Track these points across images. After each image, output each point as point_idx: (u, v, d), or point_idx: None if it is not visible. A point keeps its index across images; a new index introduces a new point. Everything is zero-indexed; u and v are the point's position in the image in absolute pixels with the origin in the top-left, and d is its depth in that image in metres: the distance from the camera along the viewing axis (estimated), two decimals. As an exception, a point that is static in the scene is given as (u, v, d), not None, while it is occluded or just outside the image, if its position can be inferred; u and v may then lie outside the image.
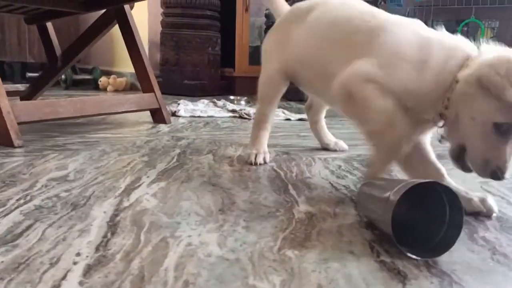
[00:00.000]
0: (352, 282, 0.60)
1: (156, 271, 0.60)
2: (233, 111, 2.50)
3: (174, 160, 1.29)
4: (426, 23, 3.27)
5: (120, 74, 4.02)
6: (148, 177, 1.09)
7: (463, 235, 0.78)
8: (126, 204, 0.88)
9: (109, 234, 0.72)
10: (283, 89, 1.31)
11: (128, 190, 0.97)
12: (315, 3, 1.22)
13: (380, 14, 1.04)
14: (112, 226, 0.76)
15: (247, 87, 3.82)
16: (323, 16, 1.14)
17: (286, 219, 0.82)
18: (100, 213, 0.82)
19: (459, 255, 0.69)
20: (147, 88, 1.98)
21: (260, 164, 1.28)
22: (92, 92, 3.68)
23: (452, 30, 3.44)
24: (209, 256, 0.65)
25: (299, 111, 2.56)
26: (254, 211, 0.86)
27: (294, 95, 3.29)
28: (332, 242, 0.73)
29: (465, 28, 3.28)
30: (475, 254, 0.70)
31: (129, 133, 1.75)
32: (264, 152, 1.32)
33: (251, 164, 1.28)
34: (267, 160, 1.31)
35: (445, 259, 0.68)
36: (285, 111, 2.53)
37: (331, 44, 1.07)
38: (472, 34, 3.36)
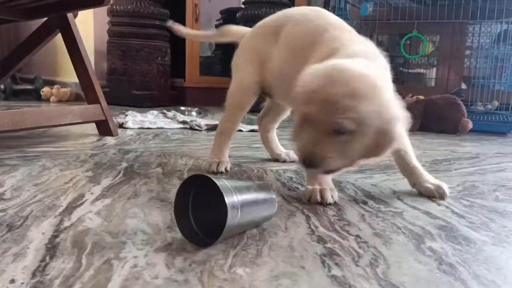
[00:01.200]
0: (304, 299, 0.59)
1: (98, 296, 0.56)
2: (184, 122, 2.46)
3: (121, 174, 1.24)
4: (371, 37, 3.37)
5: (64, 84, 3.86)
6: (92, 193, 1.03)
7: (410, 245, 0.80)
8: (67, 224, 0.83)
9: (47, 258, 0.67)
10: (255, 100, 1.37)
11: (70, 209, 0.92)
12: (284, 19, 1.31)
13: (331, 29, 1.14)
14: (51, 248, 0.71)
15: (198, 98, 3.79)
16: (293, 32, 1.24)
17: (237, 235, 0.80)
18: (38, 235, 0.77)
19: (407, 267, 0.70)
20: (92, 98, 1.90)
21: (221, 173, 1.30)
22: (34, 103, 3.52)
23: (395, 43, 3.55)
24: (156, 278, 0.62)
25: (250, 122, 2.55)
26: (203, 227, 0.84)
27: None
28: (283, 258, 0.72)
29: (408, 42, 3.42)
30: (422, 265, 0.71)
31: (72, 146, 1.67)
32: (226, 162, 1.35)
33: (212, 173, 1.29)
34: (228, 169, 1.34)
35: (394, 271, 0.68)
36: (236, 122, 2.51)
37: (296, 57, 1.17)
38: (414, 47, 3.51)
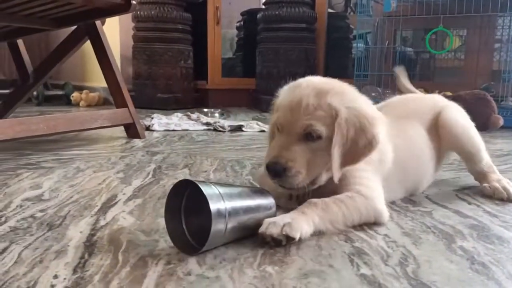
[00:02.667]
0: (334, 296, 0.60)
1: (135, 292, 0.59)
2: (208, 124, 2.49)
3: (150, 175, 1.27)
4: (395, 33, 3.30)
5: (92, 89, 3.95)
6: (124, 194, 1.07)
7: (441, 245, 0.79)
8: (102, 223, 0.86)
9: (86, 255, 0.71)
10: None
11: (104, 208, 0.95)
12: None
13: None
14: (89, 246, 0.74)
15: (220, 100, 3.82)
16: None
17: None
18: (76, 233, 0.80)
19: (438, 266, 0.70)
20: (120, 103, 1.95)
21: None
22: (65, 108, 3.61)
23: (420, 38, 3.48)
24: (189, 275, 0.65)
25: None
26: (233, 226, 0.86)
27: (267, 107, 3.31)
28: (311, 256, 0.73)
29: (434, 37, 3.36)
30: (454, 264, 0.71)
31: (103, 149, 1.72)
32: None
33: None
34: None
35: (425, 270, 0.68)
36: (260, 123, 2.54)
37: None
38: (440, 42, 3.45)
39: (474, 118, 2.60)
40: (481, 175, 1.18)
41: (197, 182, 0.72)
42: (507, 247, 0.79)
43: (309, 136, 0.85)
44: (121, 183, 1.17)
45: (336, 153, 0.84)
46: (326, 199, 0.85)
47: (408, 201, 1.07)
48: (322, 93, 0.87)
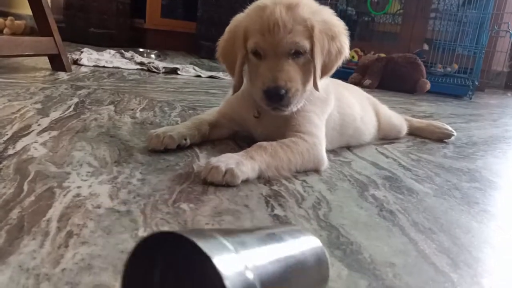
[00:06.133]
0: (244, 234, 0.60)
1: (37, 221, 0.56)
2: (141, 63, 2.39)
3: (71, 109, 1.20)
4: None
5: (18, 16, 3.64)
6: (39, 125, 1.00)
7: (354, 192, 0.82)
8: (11, 151, 0.80)
9: (-14, 183, 0.66)
10: None
11: (15, 138, 0.89)
12: None
13: None
14: (-8, 174, 0.69)
15: (158, 41, 3.66)
16: None
17: (185, 173, 0.81)
18: (-22, 161, 0.74)
19: (348, 211, 0.73)
20: (45, 31, 1.81)
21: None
22: (-16, 33, 3.32)
23: (363, 0, 3.48)
24: (98, 208, 0.62)
25: (210, 69, 2.51)
26: (152, 164, 0.84)
27: (206, 53, 3.23)
28: (228, 196, 0.73)
29: (375, 0, 3.40)
30: (363, 210, 0.74)
31: (23, 79, 1.60)
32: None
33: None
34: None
35: (335, 214, 0.71)
36: (196, 68, 2.47)
37: None
38: (382, 5, 3.49)
39: (404, 81, 2.72)
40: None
41: (185, 236, 0.35)
42: (415, 198, 0.84)
43: (295, 53, 0.88)
44: (37, 114, 1.10)
45: (318, 64, 0.89)
46: (274, 143, 0.87)
47: (329, 151, 1.09)
48: (291, 7, 0.88)
